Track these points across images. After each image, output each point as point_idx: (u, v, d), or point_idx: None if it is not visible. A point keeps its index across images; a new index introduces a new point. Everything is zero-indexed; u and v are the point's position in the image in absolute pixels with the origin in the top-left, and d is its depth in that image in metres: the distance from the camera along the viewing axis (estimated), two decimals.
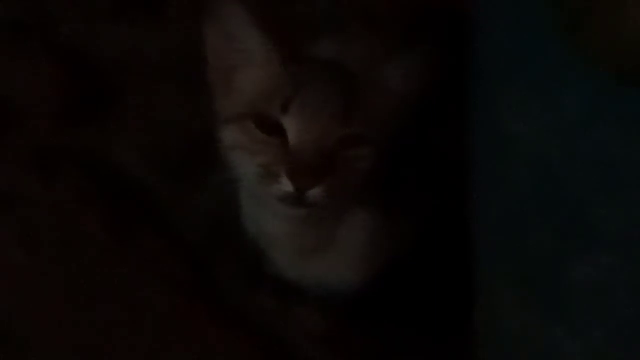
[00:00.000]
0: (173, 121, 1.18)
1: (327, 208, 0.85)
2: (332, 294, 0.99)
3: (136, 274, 1.08)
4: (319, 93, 0.83)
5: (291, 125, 0.83)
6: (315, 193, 0.83)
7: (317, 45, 1.00)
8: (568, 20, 0.61)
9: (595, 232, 0.65)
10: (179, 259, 1.10)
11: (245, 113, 0.85)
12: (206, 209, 1.05)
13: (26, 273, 1.09)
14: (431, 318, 1.04)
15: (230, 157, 0.87)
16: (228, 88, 0.88)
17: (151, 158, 1.16)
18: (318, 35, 1.01)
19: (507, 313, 0.75)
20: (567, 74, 0.61)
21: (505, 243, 0.73)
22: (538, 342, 0.73)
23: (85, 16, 1.25)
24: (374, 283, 0.98)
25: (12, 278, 1.09)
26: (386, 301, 1.03)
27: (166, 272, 1.09)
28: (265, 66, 0.86)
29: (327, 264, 0.95)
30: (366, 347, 1.06)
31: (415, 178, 0.96)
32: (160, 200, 1.14)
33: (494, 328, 0.80)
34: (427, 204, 0.98)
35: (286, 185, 0.83)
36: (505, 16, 0.66)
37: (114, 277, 1.08)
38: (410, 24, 1.07)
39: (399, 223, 0.96)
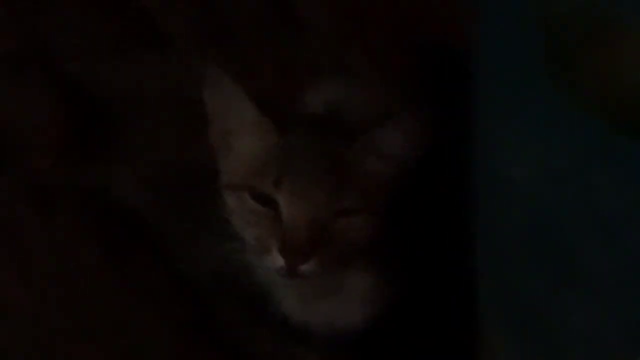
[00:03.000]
0: (175, 157, 1.18)
1: (324, 274, 0.86)
2: (337, 335, 0.99)
3: (135, 310, 1.08)
4: (311, 169, 0.83)
5: (284, 201, 0.83)
6: (307, 267, 0.83)
7: (318, 87, 1.01)
8: (564, 62, 0.61)
9: (589, 278, 0.64)
10: (179, 295, 1.10)
11: (241, 184, 0.86)
12: (208, 246, 1.05)
13: (24, 307, 1.09)
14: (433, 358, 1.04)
15: (231, 219, 0.88)
16: (227, 150, 0.88)
17: (152, 192, 1.16)
18: (321, 75, 1.02)
19: (504, 357, 0.75)
20: (561, 119, 0.62)
21: (501, 288, 0.73)
22: None
23: (87, 51, 1.25)
24: (378, 323, 0.98)
25: (9, 312, 1.08)
26: (388, 341, 1.02)
27: (165, 308, 1.09)
28: (258, 136, 0.86)
29: (332, 307, 0.95)
30: None
31: (415, 221, 0.95)
32: (161, 237, 1.14)
33: None
34: (428, 245, 0.98)
35: (278, 260, 0.84)
36: (501, 58, 0.67)
37: (112, 311, 1.08)
38: (414, 63, 1.07)
39: (402, 263, 0.96)
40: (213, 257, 1.06)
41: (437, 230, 0.97)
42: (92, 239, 1.13)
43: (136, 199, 1.16)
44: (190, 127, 1.07)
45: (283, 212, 0.83)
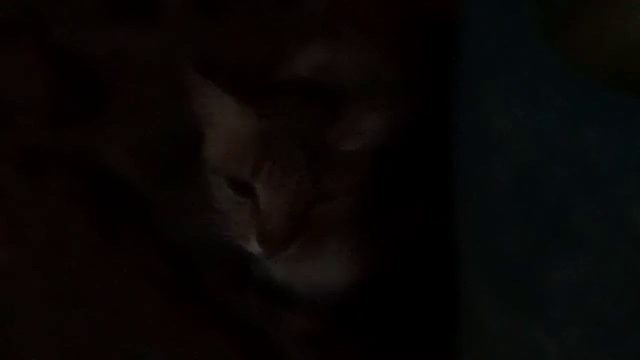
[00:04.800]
0: (162, 123, 1.18)
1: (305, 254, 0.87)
2: (321, 295, 0.99)
3: (122, 275, 1.08)
4: (289, 156, 0.83)
5: (261, 190, 0.84)
6: (286, 254, 0.85)
7: (307, 50, 1.00)
8: (553, 21, 0.61)
9: (574, 234, 0.65)
10: (165, 260, 1.10)
11: (220, 169, 0.87)
12: (193, 210, 1.04)
13: (12, 271, 1.09)
14: (418, 324, 1.04)
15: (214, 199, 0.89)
16: (209, 130, 0.89)
17: (139, 159, 1.17)
18: (310, 40, 1.01)
19: (489, 315, 0.75)
20: (550, 75, 0.62)
21: (485, 245, 0.73)
22: (519, 343, 0.73)
23: (77, 17, 1.25)
24: (363, 286, 0.98)
25: (0, 277, 1.09)
26: (373, 306, 1.03)
27: (152, 273, 1.09)
28: (237, 121, 0.86)
29: (315, 269, 0.95)
30: (352, 351, 1.06)
31: (401, 187, 0.96)
32: (148, 201, 1.14)
33: (476, 331, 0.80)
34: (414, 209, 0.98)
35: (256, 247, 0.85)
36: (489, 16, 0.66)
37: (99, 277, 1.08)
38: (403, 30, 1.07)
39: (387, 226, 0.96)
40: (198, 223, 1.04)
41: (419, 194, 0.97)
42: (82, 204, 1.13)
43: (123, 165, 1.16)
44: (178, 95, 1.05)
45: (261, 200, 0.84)
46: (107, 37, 1.24)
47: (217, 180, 0.88)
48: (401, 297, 1.03)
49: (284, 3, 1.23)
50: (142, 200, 1.14)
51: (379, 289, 1.00)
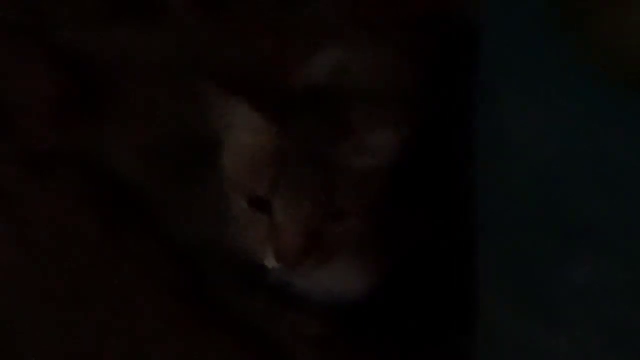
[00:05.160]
0: (168, 124, 1.17)
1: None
2: (337, 303, 0.99)
3: (129, 276, 1.07)
4: (307, 173, 0.83)
5: (278, 206, 0.83)
6: (301, 269, 0.84)
7: (323, 53, 0.99)
8: (571, 20, 0.61)
9: (594, 236, 0.64)
10: (171, 261, 1.09)
11: (235, 182, 0.86)
12: (202, 213, 1.06)
13: (20, 273, 1.08)
14: (431, 328, 1.03)
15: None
16: (227, 140, 0.88)
17: (147, 160, 1.15)
18: (325, 43, 1.01)
19: (504, 318, 0.75)
20: (569, 76, 0.62)
21: (503, 247, 0.73)
22: (536, 346, 0.72)
23: (83, 18, 1.23)
24: (378, 290, 0.98)
25: (6, 278, 1.07)
26: (387, 310, 1.02)
27: (159, 274, 1.08)
28: (255, 135, 0.86)
29: (332, 274, 0.94)
30: (362, 355, 1.05)
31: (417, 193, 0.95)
32: (153, 203, 1.13)
33: (493, 335, 0.79)
34: (430, 212, 0.98)
35: (273, 263, 0.85)
36: (507, 18, 0.66)
37: (106, 279, 1.07)
38: (414, 32, 1.06)
39: (402, 232, 0.96)
40: (209, 225, 1.07)
41: (436, 200, 0.96)
42: (89, 205, 1.12)
43: (128, 166, 1.15)
44: (186, 96, 1.08)
45: (277, 217, 0.84)
46: (110, 38, 1.22)
47: (233, 191, 0.87)
48: (415, 300, 1.02)
49: (291, 5, 1.22)
50: (148, 202, 1.13)
51: (394, 292, 0.99)
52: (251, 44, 1.19)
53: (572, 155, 0.63)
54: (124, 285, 1.07)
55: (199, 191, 1.06)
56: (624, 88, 0.60)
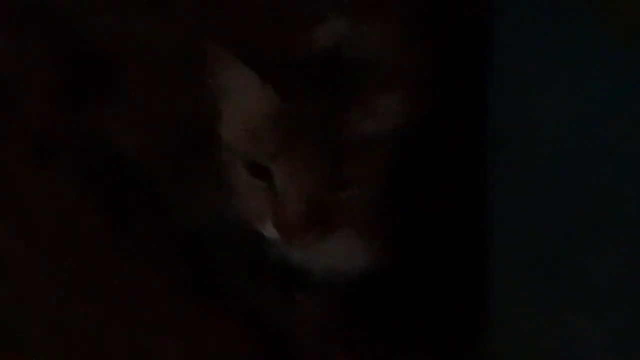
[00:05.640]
0: (175, 108, 1.15)
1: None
2: (338, 280, 0.96)
3: (133, 263, 1.06)
4: (310, 141, 0.80)
5: (280, 175, 0.81)
6: (303, 240, 0.82)
7: (327, 24, 0.96)
8: None
9: (618, 222, 0.62)
10: (177, 248, 1.07)
11: (236, 150, 0.84)
12: (206, 193, 1.04)
13: (22, 261, 1.07)
14: (439, 311, 1.01)
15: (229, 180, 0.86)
16: (227, 105, 0.86)
17: (152, 145, 1.13)
18: (328, 15, 0.98)
19: (523, 307, 0.72)
20: (596, 51, 0.58)
21: (519, 233, 0.70)
22: (555, 333, 0.70)
23: (86, 2, 1.21)
24: (383, 271, 0.95)
25: (8, 267, 1.06)
26: (392, 292, 0.99)
27: (164, 261, 1.06)
28: (258, 101, 0.83)
29: (334, 251, 0.92)
30: (370, 337, 1.03)
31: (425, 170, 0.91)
32: (158, 186, 1.11)
33: (507, 322, 0.77)
34: (438, 194, 0.94)
35: (273, 233, 0.83)
36: None
37: (110, 266, 1.06)
38: (422, 5, 1.03)
39: (410, 210, 0.92)
40: (211, 207, 1.05)
41: (443, 178, 0.94)
42: (91, 189, 1.10)
43: (133, 149, 1.13)
44: (190, 78, 1.05)
45: (278, 185, 0.81)
46: (118, 21, 1.20)
47: (233, 160, 0.85)
48: (422, 283, 1.00)
49: None
50: (153, 186, 1.11)
51: (399, 274, 0.97)
52: (252, 20, 1.17)
53: (600, 136, 0.59)
54: (130, 273, 1.06)
55: (205, 173, 1.03)
56: None
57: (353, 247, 0.92)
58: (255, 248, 0.98)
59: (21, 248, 1.07)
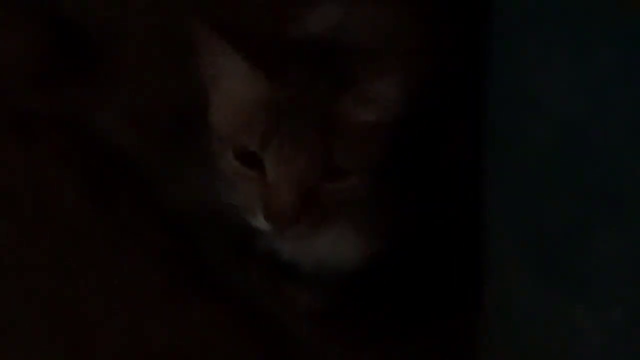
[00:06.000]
0: (162, 89, 1.13)
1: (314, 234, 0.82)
2: (329, 271, 0.94)
3: (117, 245, 1.04)
4: (301, 127, 0.78)
5: (270, 162, 0.79)
6: (294, 231, 0.80)
7: (319, 10, 0.94)
8: None
9: (625, 200, 0.59)
10: (163, 231, 1.06)
11: (226, 137, 0.82)
12: (194, 180, 1.02)
13: (4, 243, 1.04)
14: (431, 301, 1.00)
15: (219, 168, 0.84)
16: (215, 92, 0.84)
17: (138, 125, 1.12)
18: (321, 2, 0.96)
19: (520, 290, 0.70)
20: (604, 20, 0.55)
21: (521, 213, 0.68)
22: (553, 320, 0.67)
23: None
24: (373, 264, 0.94)
25: None
26: (383, 284, 0.98)
27: (148, 244, 1.05)
28: (248, 86, 0.81)
29: (324, 244, 0.90)
30: (359, 328, 1.02)
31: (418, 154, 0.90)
32: (145, 170, 1.09)
33: (504, 306, 0.74)
34: (431, 178, 0.93)
35: (263, 224, 0.81)
36: None
37: (93, 247, 1.04)
38: None
39: (402, 198, 0.91)
40: (200, 192, 1.02)
41: (442, 163, 0.92)
42: (74, 170, 1.09)
43: (118, 131, 1.12)
44: (178, 60, 1.03)
45: (269, 173, 0.79)
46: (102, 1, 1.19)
47: (223, 148, 0.82)
48: (414, 275, 0.98)
49: None
50: (138, 169, 1.09)
51: (390, 266, 0.95)
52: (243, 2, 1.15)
53: (605, 108, 0.57)
54: (111, 254, 1.04)
55: (193, 158, 1.01)
56: None
57: (345, 241, 0.91)
58: (244, 237, 0.97)
59: (2, 229, 1.05)
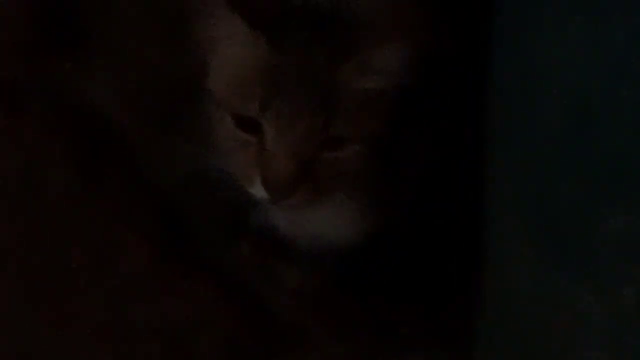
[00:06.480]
0: (153, 61, 1.10)
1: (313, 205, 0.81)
2: (322, 249, 0.93)
3: (103, 221, 1.02)
4: (301, 92, 0.77)
5: (269, 128, 0.78)
6: (292, 201, 0.79)
7: None
8: None
9: (635, 180, 0.57)
10: (150, 206, 1.04)
11: (223, 102, 0.80)
12: (185, 151, 0.98)
13: None
14: (427, 283, 0.97)
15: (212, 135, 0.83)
16: (213, 56, 0.82)
17: (127, 98, 1.09)
18: None
19: (522, 272, 0.68)
20: None
21: (525, 193, 0.66)
22: (557, 303, 0.66)
23: None
24: (368, 241, 0.92)
25: None
26: (378, 264, 0.96)
27: (135, 220, 1.03)
28: (247, 49, 0.79)
29: (321, 217, 0.89)
30: (353, 310, 1.00)
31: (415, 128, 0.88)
32: (135, 144, 1.07)
33: (504, 290, 0.73)
34: (428, 155, 0.91)
35: (260, 192, 0.80)
36: None
37: (79, 222, 1.02)
38: None
39: (400, 174, 0.89)
40: (190, 164, 1.00)
41: (444, 137, 0.90)
42: (60, 146, 1.06)
43: (107, 103, 1.09)
44: (167, 32, 1.03)
45: (268, 139, 0.78)
46: None
47: (220, 114, 0.81)
48: (410, 256, 0.96)
49: None
50: (127, 143, 1.07)
51: (386, 247, 0.94)
52: None
53: (618, 89, 0.55)
54: (97, 229, 1.02)
55: (177, 127, 1.00)
56: None
57: (342, 216, 0.89)
58: (236, 211, 0.95)
59: None
